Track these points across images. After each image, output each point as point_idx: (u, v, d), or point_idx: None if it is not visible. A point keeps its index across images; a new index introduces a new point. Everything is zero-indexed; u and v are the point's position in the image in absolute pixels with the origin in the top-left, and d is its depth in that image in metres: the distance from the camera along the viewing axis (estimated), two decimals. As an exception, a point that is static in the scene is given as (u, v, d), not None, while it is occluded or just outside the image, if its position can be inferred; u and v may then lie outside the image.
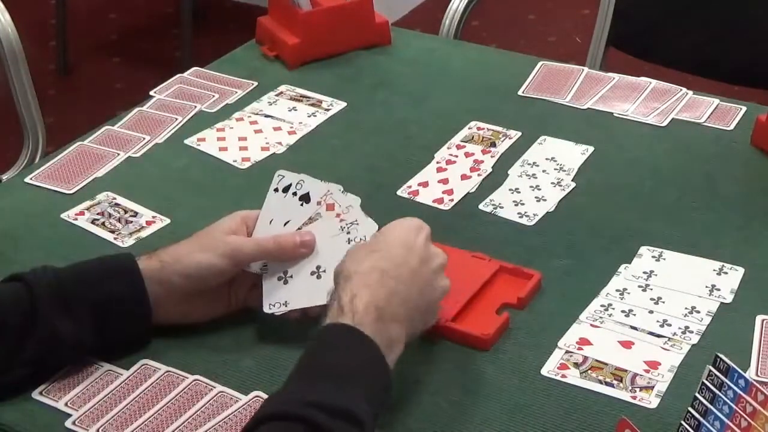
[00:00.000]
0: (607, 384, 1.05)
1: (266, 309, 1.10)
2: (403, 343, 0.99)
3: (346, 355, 0.94)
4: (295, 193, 1.13)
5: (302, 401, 0.88)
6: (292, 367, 0.94)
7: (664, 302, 1.15)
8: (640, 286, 1.18)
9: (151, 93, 1.58)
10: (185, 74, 1.63)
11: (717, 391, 0.91)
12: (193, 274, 1.07)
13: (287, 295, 1.10)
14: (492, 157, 1.42)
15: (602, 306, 1.15)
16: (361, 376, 0.93)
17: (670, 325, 1.12)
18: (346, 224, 1.11)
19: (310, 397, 0.88)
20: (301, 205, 1.12)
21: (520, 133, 1.47)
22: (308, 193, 1.13)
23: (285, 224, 1.12)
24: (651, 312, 1.14)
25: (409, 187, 1.37)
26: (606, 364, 1.08)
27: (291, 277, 1.10)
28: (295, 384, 0.92)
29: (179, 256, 1.08)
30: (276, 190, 1.13)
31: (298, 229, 1.11)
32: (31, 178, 1.39)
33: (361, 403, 0.90)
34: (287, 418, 0.87)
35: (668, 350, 1.09)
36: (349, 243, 1.10)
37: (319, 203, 1.12)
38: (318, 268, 1.10)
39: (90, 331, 1.05)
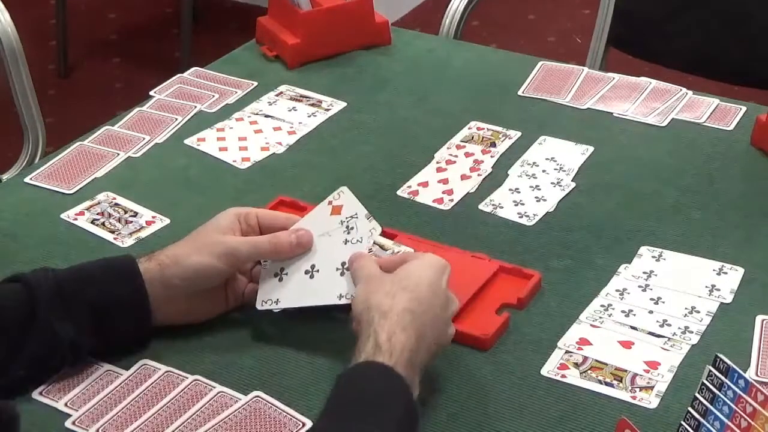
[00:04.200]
0: (607, 384, 1.05)
1: (258, 306, 1.10)
2: (417, 385, 0.98)
3: (384, 395, 0.93)
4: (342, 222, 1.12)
5: None
6: (328, 400, 0.94)
7: (664, 302, 1.15)
8: (640, 286, 1.18)
9: (151, 93, 1.58)
10: (185, 74, 1.63)
11: (717, 392, 0.91)
12: (191, 276, 1.07)
13: (280, 294, 1.10)
14: (492, 157, 1.42)
15: (602, 306, 1.15)
16: (398, 418, 0.92)
17: (670, 325, 1.12)
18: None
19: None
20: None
21: (520, 133, 1.47)
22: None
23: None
24: (651, 312, 1.14)
25: (409, 187, 1.37)
26: (606, 364, 1.08)
27: (286, 274, 1.10)
28: (332, 419, 0.92)
29: (176, 258, 1.08)
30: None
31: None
32: (31, 178, 1.39)
33: None
34: None
35: (668, 350, 1.09)
36: (345, 244, 1.10)
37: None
38: (312, 267, 1.10)
39: (90, 332, 1.05)
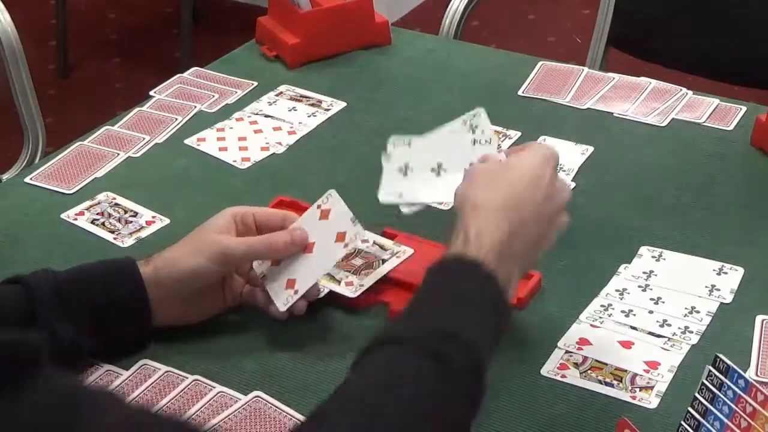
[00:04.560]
0: (607, 384, 1.05)
1: (381, 198, 1.11)
2: (517, 280, 0.99)
3: (471, 287, 0.94)
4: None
5: (422, 328, 0.89)
6: (416, 293, 0.94)
7: (664, 302, 1.15)
8: (640, 286, 1.18)
9: (151, 93, 1.58)
10: (185, 74, 1.63)
11: (717, 392, 0.91)
12: (186, 278, 1.07)
13: (404, 187, 1.10)
14: (492, 157, 1.42)
15: (602, 306, 1.15)
16: (484, 310, 0.93)
17: (670, 325, 1.12)
18: (469, 119, 1.11)
19: (429, 324, 0.90)
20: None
21: (520, 133, 1.47)
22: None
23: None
24: (651, 312, 1.14)
25: (409, 187, 1.36)
26: (606, 364, 1.08)
27: (411, 171, 1.10)
28: (419, 308, 0.93)
29: (172, 260, 1.08)
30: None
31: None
32: (31, 178, 1.39)
33: (479, 333, 0.90)
34: (401, 342, 0.88)
35: (668, 350, 1.09)
36: (474, 144, 1.09)
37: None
38: (439, 165, 1.10)
39: (90, 333, 1.05)
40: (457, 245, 0.96)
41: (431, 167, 1.10)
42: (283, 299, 1.10)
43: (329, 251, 1.09)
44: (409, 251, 1.20)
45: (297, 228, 1.11)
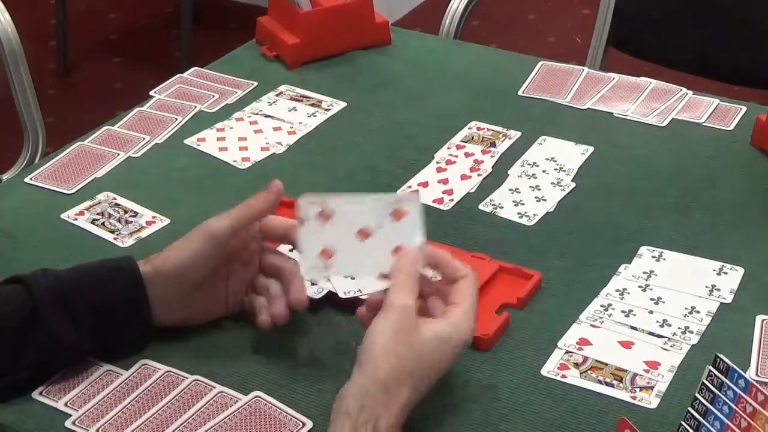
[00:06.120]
0: (607, 384, 1.05)
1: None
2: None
3: None
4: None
5: None
6: None
7: (664, 302, 1.15)
8: (640, 286, 1.18)
9: (151, 93, 1.58)
10: (185, 74, 1.63)
11: (717, 392, 0.91)
12: (183, 270, 1.07)
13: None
14: (492, 157, 1.42)
15: (602, 306, 1.15)
16: None
17: (670, 325, 1.12)
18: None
19: None
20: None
21: (520, 133, 1.47)
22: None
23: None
24: (651, 312, 1.14)
25: (409, 187, 1.37)
26: (606, 364, 1.08)
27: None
28: None
29: (169, 257, 1.08)
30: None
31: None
32: (31, 178, 1.39)
33: None
34: None
35: (668, 350, 1.09)
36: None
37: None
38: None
39: (90, 333, 1.05)
40: None
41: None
42: (309, 264, 1.03)
43: (381, 257, 1.01)
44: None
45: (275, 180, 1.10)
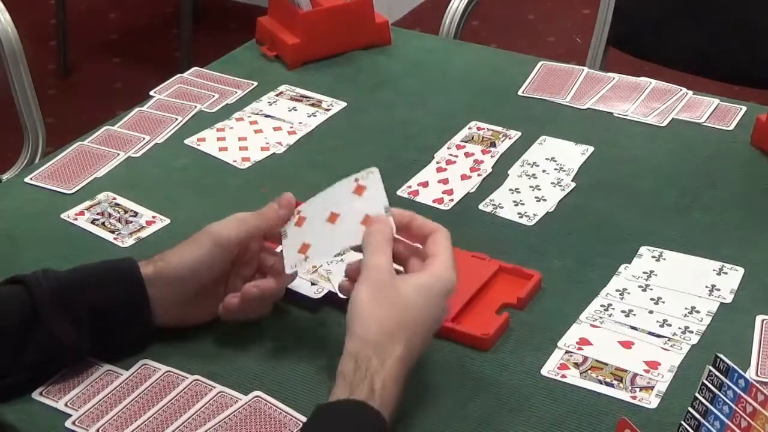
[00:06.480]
0: (607, 384, 1.05)
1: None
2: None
3: None
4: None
5: None
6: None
7: (664, 302, 1.16)
8: (640, 286, 1.18)
9: (151, 93, 1.58)
10: (185, 74, 1.63)
11: (717, 391, 0.91)
12: (187, 273, 1.07)
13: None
14: (492, 157, 1.42)
15: (602, 306, 1.15)
16: None
17: (670, 325, 1.12)
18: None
19: None
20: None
21: (520, 133, 1.47)
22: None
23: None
24: (651, 312, 1.14)
25: (409, 187, 1.37)
26: (606, 364, 1.08)
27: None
28: None
29: (173, 259, 1.08)
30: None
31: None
32: (31, 178, 1.39)
33: None
34: None
35: (668, 350, 1.09)
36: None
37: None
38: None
39: (91, 334, 1.05)
40: (361, 392, 0.92)
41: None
42: (291, 261, 1.07)
43: (351, 231, 1.04)
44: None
45: (285, 193, 1.11)
